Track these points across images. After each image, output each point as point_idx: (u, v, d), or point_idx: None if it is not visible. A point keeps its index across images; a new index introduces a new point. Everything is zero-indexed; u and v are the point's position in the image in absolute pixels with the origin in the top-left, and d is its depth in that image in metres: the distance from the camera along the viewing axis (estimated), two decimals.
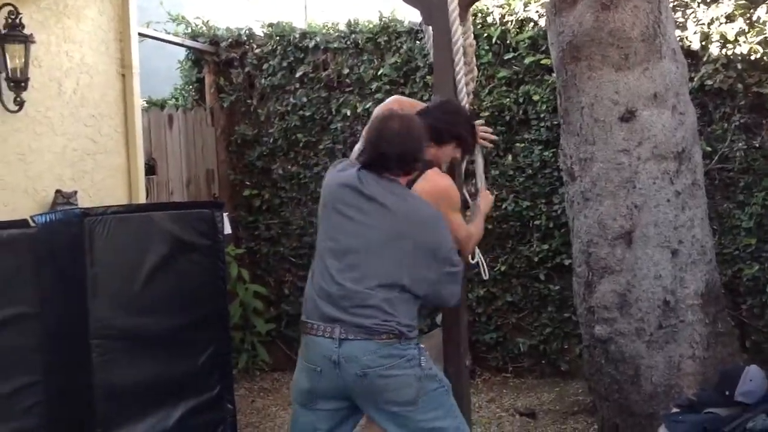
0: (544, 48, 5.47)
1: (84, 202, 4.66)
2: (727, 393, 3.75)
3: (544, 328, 5.85)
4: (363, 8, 6.46)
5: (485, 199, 3.59)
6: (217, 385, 4.22)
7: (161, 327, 3.97)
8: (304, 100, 6.33)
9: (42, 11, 4.58)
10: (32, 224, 3.86)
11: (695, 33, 5.31)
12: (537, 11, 5.72)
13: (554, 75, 4.77)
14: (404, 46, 6.07)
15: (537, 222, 5.78)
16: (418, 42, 5.96)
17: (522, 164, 5.80)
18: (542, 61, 5.62)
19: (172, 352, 4.00)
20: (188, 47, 6.62)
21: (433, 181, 3.16)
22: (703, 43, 5.28)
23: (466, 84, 3.69)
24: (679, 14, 5.31)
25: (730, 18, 5.23)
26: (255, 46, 6.50)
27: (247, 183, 6.55)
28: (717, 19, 5.26)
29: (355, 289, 2.89)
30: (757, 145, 5.23)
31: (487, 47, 5.83)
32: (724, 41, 5.22)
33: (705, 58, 5.27)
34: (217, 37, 6.61)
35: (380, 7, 6.25)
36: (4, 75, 4.26)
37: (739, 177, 5.28)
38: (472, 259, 3.61)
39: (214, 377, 4.21)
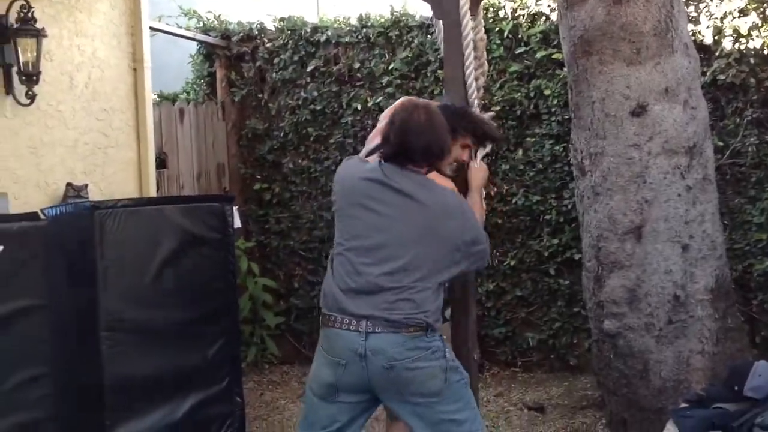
0: (555, 42, 5.46)
1: (95, 195, 4.68)
2: (735, 388, 3.74)
3: (554, 322, 5.85)
4: (374, 3, 6.45)
5: (475, 174, 3.38)
6: (226, 378, 4.22)
7: (171, 320, 3.98)
8: (315, 94, 6.33)
9: (54, 5, 4.60)
10: (42, 217, 3.88)
11: (708, 27, 5.28)
12: (549, 5, 5.70)
13: (565, 69, 4.76)
14: (415, 41, 6.07)
15: (547, 216, 5.77)
16: (429, 36, 5.95)
17: (533, 159, 5.79)
18: (554, 56, 5.61)
19: (181, 345, 4.02)
20: (200, 41, 6.63)
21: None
22: (716, 37, 5.26)
23: (477, 78, 3.68)
24: (691, 8, 5.28)
25: (743, 12, 5.21)
26: (266, 41, 6.51)
27: (258, 177, 6.56)
28: (730, 13, 5.23)
29: (388, 285, 2.87)
30: None
31: (498, 41, 5.82)
32: (737, 35, 5.19)
33: (718, 53, 5.25)
34: (228, 32, 6.62)
35: (391, 1, 6.25)
36: (16, 68, 4.27)
37: (750, 172, 5.26)
38: None
39: (223, 370, 4.21)
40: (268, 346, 6.23)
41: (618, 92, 4.26)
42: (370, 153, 3.18)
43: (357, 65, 6.23)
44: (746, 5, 5.18)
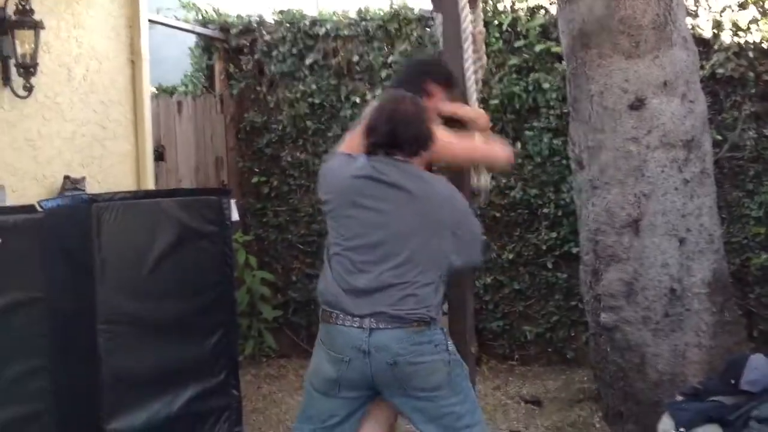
0: (554, 36, 5.44)
1: (92, 188, 4.67)
2: (732, 381, 3.74)
3: (551, 316, 5.85)
4: None
5: (475, 113, 3.46)
6: (224, 371, 4.22)
7: (168, 313, 3.97)
8: (314, 87, 6.32)
9: None
10: (39, 210, 3.86)
11: (707, 21, 5.28)
12: None
13: (564, 63, 4.75)
14: (414, 34, 6.06)
15: (545, 210, 5.77)
16: (428, 29, 5.94)
17: (531, 152, 5.79)
18: (553, 49, 5.60)
19: (178, 338, 4.01)
20: (198, 34, 6.62)
21: None
22: (715, 30, 5.25)
23: (476, 72, 3.68)
24: (690, 2, 5.27)
25: (742, 6, 5.21)
26: (265, 33, 6.49)
27: (256, 170, 6.56)
28: (729, 6, 5.23)
29: (394, 281, 2.86)
30: None
31: (497, 35, 5.81)
32: (736, 29, 5.19)
33: (716, 46, 5.24)
34: (227, 24, 6.61)
35: None
36: (13, 61, 4.27)
37: (749, 166, 5.26)
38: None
39: (220, 363, 4.21)
40: (265, 340, 6.23)
41: (616, 86, 4.26)
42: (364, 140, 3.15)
43: (356, 58, 6.22)
44: None
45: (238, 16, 6.62)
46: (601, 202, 4.34)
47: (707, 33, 5.26)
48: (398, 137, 2.95)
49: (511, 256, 5.88)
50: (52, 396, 3.73)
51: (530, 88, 5.76)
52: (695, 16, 5.27)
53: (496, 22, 5.81)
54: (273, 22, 6.53)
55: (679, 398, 3.88)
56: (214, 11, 6.67)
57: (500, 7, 5.86)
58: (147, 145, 5.23)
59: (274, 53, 6.44)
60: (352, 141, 3.15)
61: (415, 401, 2.93)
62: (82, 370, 3.76)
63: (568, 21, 4.44)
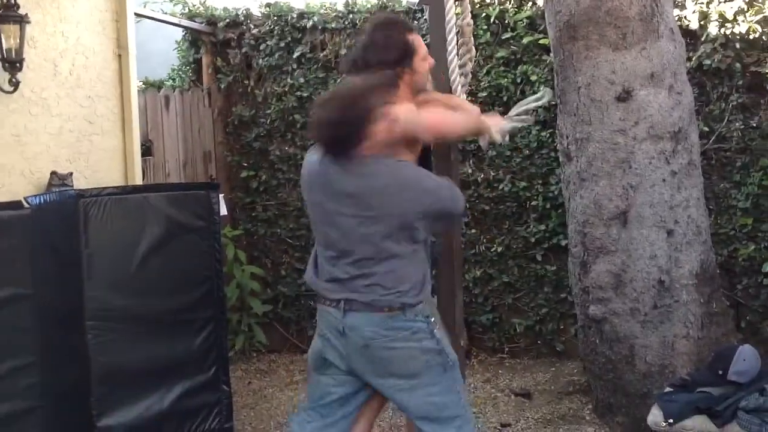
0: (542, 28, 5.45)
1: (80, 183, 4.65)
2: (720, 372, 3.77)
3: (540, 308, 5.86)
4: None
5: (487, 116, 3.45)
6: (213, 367, 4.22)
7: (157, 308, 3.97)
8: (302, 80, 6.31)
9: None
10: (26, 206, 3.86)
11: (694, 12, 5.27)
12: None
13: (552, 55, 4.75)
14: None
15: (534, 203, 5.78)
16: (415, 22, 5.93)
17: (519, 145, 5.79)
18: (540, 41, 5.60)
19: (167, 333, 4.01)
20: (185, 27, 6.58)
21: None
22: (702, 22, 5.25)
23: (464, 64, 3.67)
24: None
25: None
26: (252, 26, 6.46)
27: (245, 164, 6.54)
28: None
29: (353, 273, 2.89)
30: (755, 125, 5.21)
31: (485, 27, 5.81)
32: (723, 20, 5.18)
33: (703, 38, 5.24)
34: (214, 17, 6.58)
35: None
36: None
37: (736, 157, 5.27)
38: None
39: (210, 359, 4.21)
40: (255, 335, 6.22)
41: (603, 77, 4.27)
42: None
43: (343, 51, 6.19)
44: None
45: (225, 9, 6.59)
46: (589, 194, 4.35)
47: (694, 24, 5.26)
48: (323, 141, 2.93)
49: (500, 249, 5.89)
50: (42, 393, 3.73)
51: (518, 80, 5.76)
52: (682, 7, 5.28)
53: (483, 14, 5.81)
54: (260, 15, 6.51)
55: (668, 389, 3.90)
56: (201, 4, 6.64)
57: None
58: (134, 139, 5.20)
59: (262, 46, 6.42)
60: None
61: (393, 389, 2.96)
62: (72, 366, 3.76)
63: (555, 13, 4.45)
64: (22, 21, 4.26)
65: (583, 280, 4.44)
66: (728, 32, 5.17)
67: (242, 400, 5.28)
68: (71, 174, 4.60)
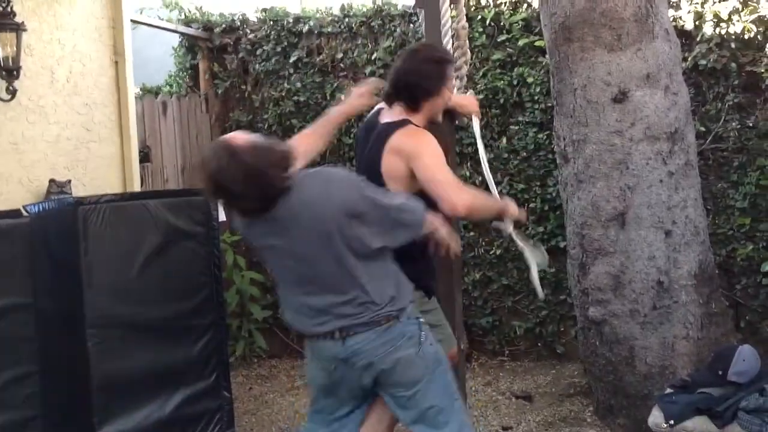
0: (537, 30, 5.45)
1: (78, 190, 4.65)
2: (720, 373, 3.77)
3: (540, 310, 5.86)
4: None
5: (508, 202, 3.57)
6: (214, 373, 4.23)
7: (157, 315, 3.97)
8: (299, 85, 6.31)
9: None
10: (25, 214, 3.86)
11: (689, 12, 5.28)
12: None
13: (548, 57, 4.76)
14: (398, 30, 6.05)
15: (532, 205, 5.78)
16: (411, 25, 5.94)
17: (516, 147, 5.79)
18: (536, 43, 5.60)
19: (168, 340, 4.01)
20: (182, 33, 6.59)
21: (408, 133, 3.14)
22: (697, 22, 5.26)
23: (460, 67, 3.69)
24: None
25: None
26: (249, 32, 6.47)
27: None
28: None
29: (335, 301, 2.85)
30: (751, 125, 5.21)
31: (480, 29, 5.81)
32: (718, 20, 5.19)
33: (698, 38, 5.25)
34: (210, 23, 6.58)
35: None
36: None
37: (732, 157, 5.28)
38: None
39: (210, 365, 4.21)
40: (256, 340, 6.22)
41: (599, 79, 4.28)
42: None
43: (340, 55, 6.21)
44: None
45: (221, 15, 6.60)
46: (587, 195, 4.36)
47: (689, 25, 5.27)
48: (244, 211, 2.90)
49: (499, 252, 5.89)
50: (42, 402, 3.73)
51: (515, 82, 5.76)
52: (677, 8, 5.28)
53: (479, 16, 5.81)
54: (256, 20, 6.51)
55: (669, 391, 3.90)
56: (197, 10, 6.64)
57: (483, 1, 5.86)
58: (132, 146, 5.20)
59: (258, 51, 6.43)
60: None
61: (396, 398, 2.97)
62: (72, 375, 3.75)
63: (551, 15, 4.46)
64: (18, 29, 4.27)
65: (582, 281, 4.45)
66: (723, 32, 5.18)
67: (243, 406, 5.28)
68: (69, 181, 4.60)
